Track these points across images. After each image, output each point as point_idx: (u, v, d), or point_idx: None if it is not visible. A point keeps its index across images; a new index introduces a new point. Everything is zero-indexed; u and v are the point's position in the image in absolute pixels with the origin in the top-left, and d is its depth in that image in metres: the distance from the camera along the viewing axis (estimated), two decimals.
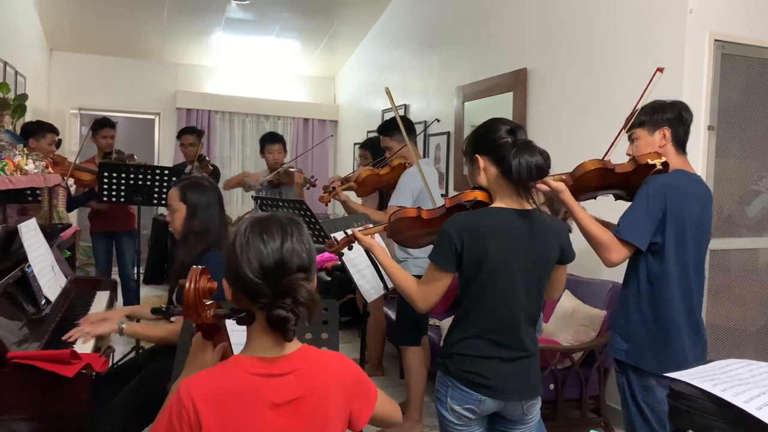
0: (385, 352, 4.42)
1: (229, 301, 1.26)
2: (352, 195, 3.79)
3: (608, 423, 3.34)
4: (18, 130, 4.09)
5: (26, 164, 2.59)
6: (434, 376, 3.69)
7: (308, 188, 4.37)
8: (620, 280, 2.41)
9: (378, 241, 2.11)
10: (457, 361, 1.81)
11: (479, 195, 1.89)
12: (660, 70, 2.40)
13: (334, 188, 3.61)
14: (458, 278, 1.85)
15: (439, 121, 3.79)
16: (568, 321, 3.36)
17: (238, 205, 7.57)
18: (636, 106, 2.33)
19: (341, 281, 5.03)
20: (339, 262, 3.17)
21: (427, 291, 1.84)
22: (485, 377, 1.77)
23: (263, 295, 1.17)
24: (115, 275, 4.76)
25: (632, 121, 2.29)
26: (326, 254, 4.96)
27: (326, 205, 4.08)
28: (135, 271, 4.53)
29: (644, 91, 2.37)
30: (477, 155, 1.83)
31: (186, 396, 1.14)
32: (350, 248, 2.17)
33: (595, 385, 3.32)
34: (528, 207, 1.78)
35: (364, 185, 3.64)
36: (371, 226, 2.27)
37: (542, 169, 1.73)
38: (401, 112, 6.17)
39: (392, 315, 4.03)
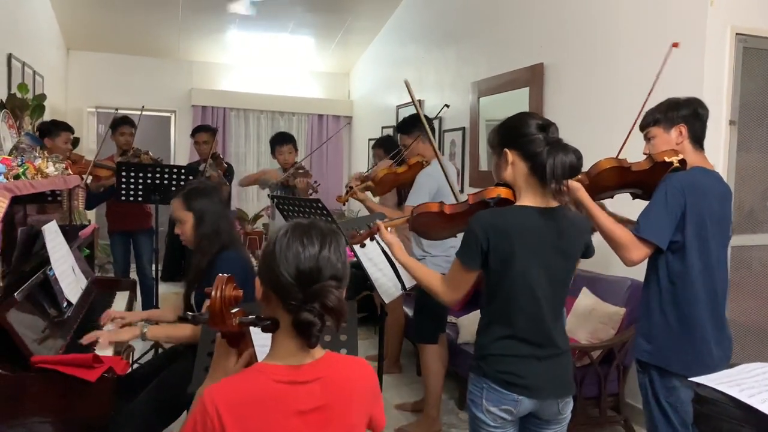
0: (402, 349, 4.42)
1: (257, 300, 1.27)
2: (369, 194, 3.78)
3: (628, 421, 3.32)
4: (35, 131, 4.13)
5: (47, 167, 2.61)
6: (451, 375, 3.69)
7: (311, 194, 4.30)
8: (639, 277, 2.38)
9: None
10: (491, 361, 1.80)
11: (503, 192, 1.87)
12: (675, 45, 2.37)
13: (351, 188, 3.60)
14: (484, 277, 1.83)
15: (448, 106, 3.76)
16: (587, 318, 3.33)
17: (254, 202, 7.61)
18: (653, 85, 2.31)
19: (357, 278, 5.01)
20: (355, 259, 3.17)
21: (453, 287, 1.86)
22: (521, 377, 1.76)
23: (293, 297, 1.19)
24: (133, 273, 4.82)
25: (647, 119, 2.27)
26: None
27: (343, 204, 4.06)
28: (153, 270, 4.56)
29: (660, 69, 2.37)
30: (506, 149, 1.81)
31: (210, 404, 1.14)
32: (372, 239, 2.20)
33: (614, 383, 3.30)
34: (553, 204, 1.77)
35: (381, 184, 3.63)
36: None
37: (576, 169, 1.72)
38: None
39: (410, 312, 4.03)
